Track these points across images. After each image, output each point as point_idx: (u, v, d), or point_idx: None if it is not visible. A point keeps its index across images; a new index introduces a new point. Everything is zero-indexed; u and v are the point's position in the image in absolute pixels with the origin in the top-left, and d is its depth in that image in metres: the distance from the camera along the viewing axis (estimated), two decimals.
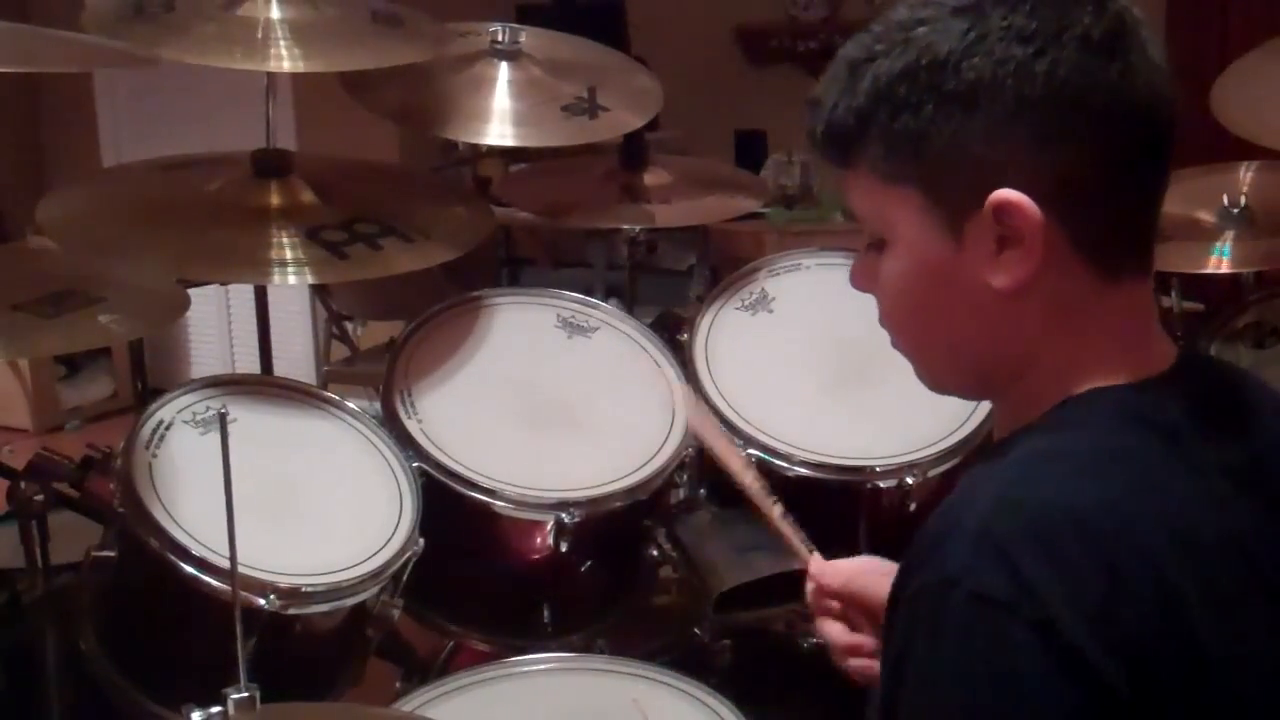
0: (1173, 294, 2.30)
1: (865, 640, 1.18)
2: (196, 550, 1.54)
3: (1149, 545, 0.79)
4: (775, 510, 1.35)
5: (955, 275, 0.89)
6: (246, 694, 1.18)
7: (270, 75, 2.06)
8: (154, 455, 1.64)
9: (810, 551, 1.28)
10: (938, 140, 0.86)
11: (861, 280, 0.97)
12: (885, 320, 0.96)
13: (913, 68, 0.86)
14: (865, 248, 0.96)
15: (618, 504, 1.84)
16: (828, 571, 1.22)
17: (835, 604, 1.20)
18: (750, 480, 1.37)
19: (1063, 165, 0.85)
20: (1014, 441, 0.88)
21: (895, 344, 0.97)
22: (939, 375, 0.98)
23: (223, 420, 1.15)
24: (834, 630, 1.20)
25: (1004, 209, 0.85)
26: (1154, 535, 0.80)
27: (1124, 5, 0.87)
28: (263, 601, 1.53)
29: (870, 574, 1.19)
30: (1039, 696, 0.76)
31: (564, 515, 1.78)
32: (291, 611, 1.57)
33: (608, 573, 1.95)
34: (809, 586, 1.23)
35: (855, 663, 1.18)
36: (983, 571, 0.78)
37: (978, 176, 0.85)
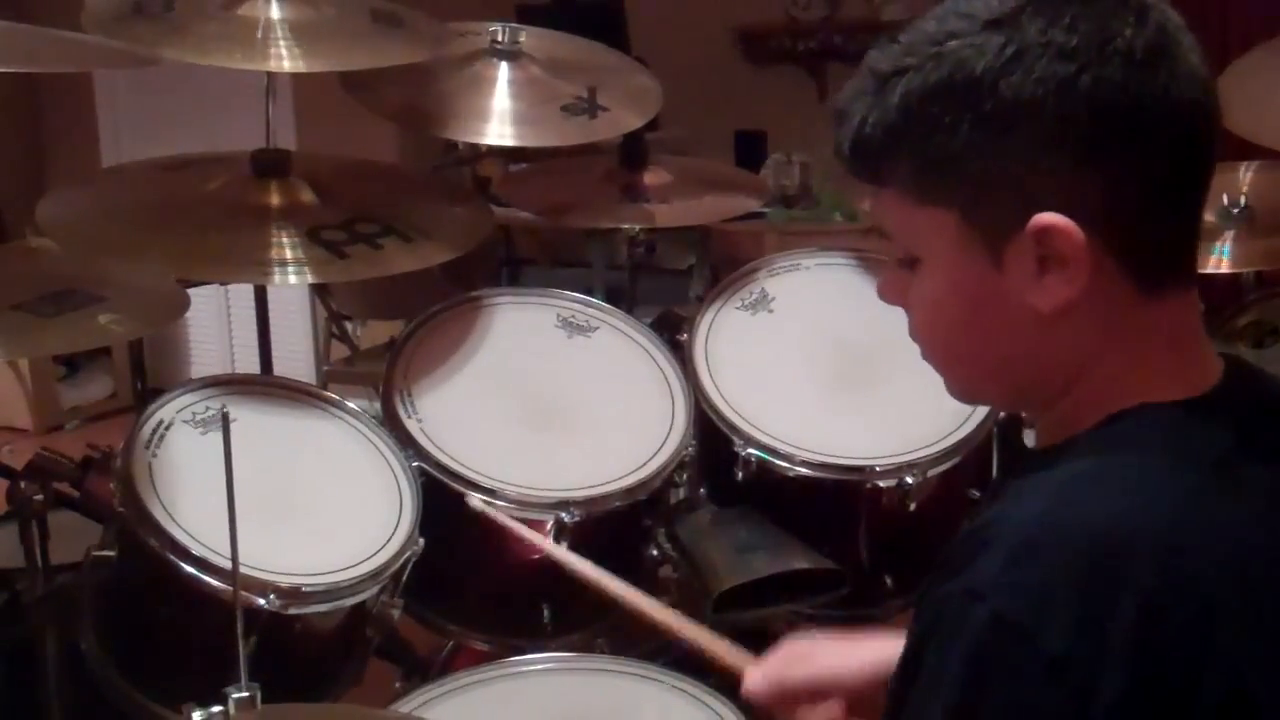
0: None
1: (838, 712, 1.16)
2: (197, 550, 1.54)
3: (1195, 574, 0.77)
4: (698, 630, 1.34)
5: (995, 296, 0.86)
6: (247, 693, 1.18)
7: (270, 75, 2.06)
8: (154, 455, 1.64)
9: (744, 659, 1.26)
10: (974, 162, 0.83)
11: (891, 296, 0.95)
12: (917, 335, 0.94)
13: (946, 85, 0.83)
14: (895, 262, 0.93)
15: (618, 504, 1.83)
16: (758, 690, 1.20)
17: (790, 704, 1.19)
18: (656, 608, 1.37)
19: (1106, 183, 0.82)
20: (1060, 453, 0.86)
21: (926, 357, 0.95)
22: (974, 389, 0.96)
23: (225, 420, 1.15)
24: (815, 716, 1.17)
25: (1047, 233, 0.82)
26: (1201, 564, 0.77)
27: (1164, 13, 0.83)
28: (263, 601, 1.53)
29: (798, 660, 1.19)
30: None
31: (564, 515, 1.78)
32: (291, 611, 1.57)
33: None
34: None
35: None
36: (1010, 591, 0.77)
37: (1017, 198, 0.83)
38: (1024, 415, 1.63)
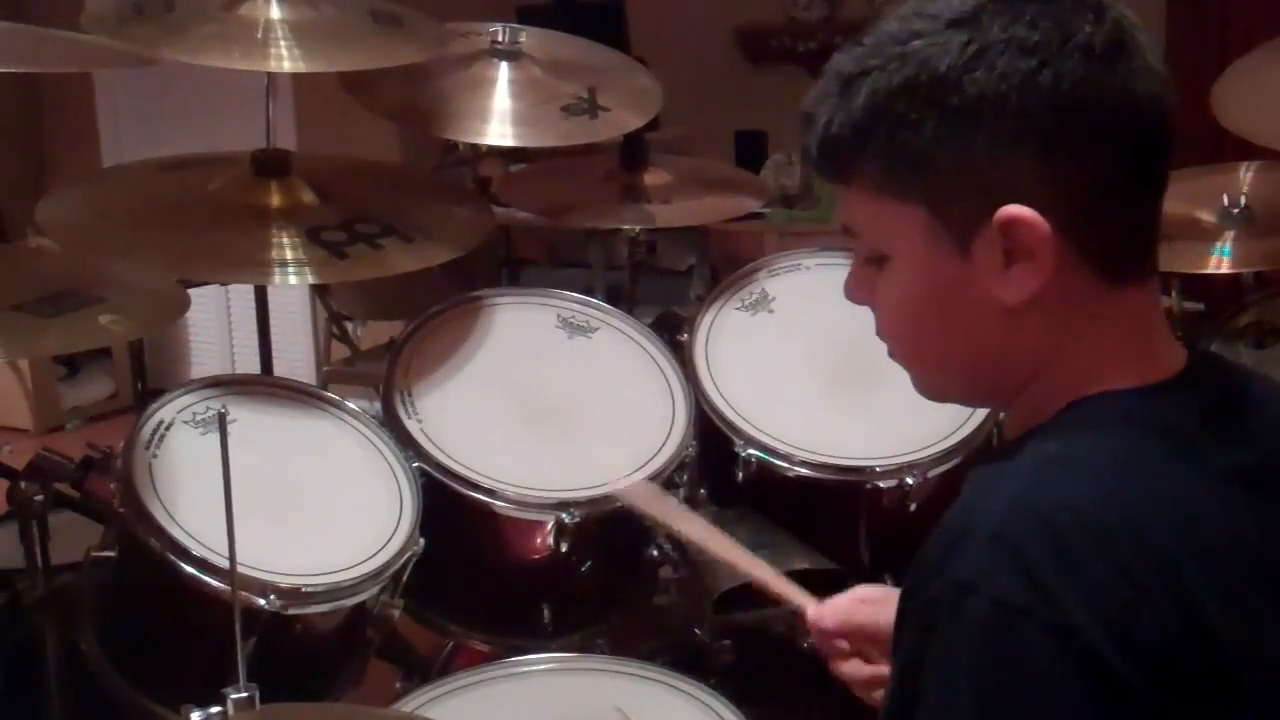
0: (1173, 294, 2.30)
1: (885, 670, 1.16)
2: (197, 550, 1.54)
3: (1163, 549, 0.78)
4: (760, 563, 1.36)
5: (961, 290, 0.88)
6: (246, 694, 1.18)
7: (270, 75, 2.06)
8: (154, 455, 1.64)
9: (807, 596, 1.27)
10: (941, 157, 0.85)
11: (858, 294, 0.96)
12: (884, 333, 0.95)
13: (911, 83, 0.84)
14: (861, 261, 0.94)
15: (618, 504, 1.83)
16: (825, 614, 1.22)
17: (844, 643, 1.20)
18: (723, 544, 1.39)
19: (1068, 176, 0.84)
20: (1022, 443, 0.87)
21: (893, 355, 0.96)
22: (942, 386, 0.97)
23: (222, 420, 1.15)
24: (851, 668, 1.20)
25: (1012, 225, 0.84)
26: (1168, 539, 0.79)
27: (1120, 11, 0.86)
28: (263, 601, 1.53)
29: (867, 604, 1.20)
30: (1060, 702, 0.75)
31: (564, 515, 1.78)
32: (291, 611, 1.57)
33: (608, 573, 1.94)
34: (813, 632, 1.23)
35: (881, 694, 1.15)
36: (999, 576, 0.77)
37: (983, 192, 0.84)
38: None
